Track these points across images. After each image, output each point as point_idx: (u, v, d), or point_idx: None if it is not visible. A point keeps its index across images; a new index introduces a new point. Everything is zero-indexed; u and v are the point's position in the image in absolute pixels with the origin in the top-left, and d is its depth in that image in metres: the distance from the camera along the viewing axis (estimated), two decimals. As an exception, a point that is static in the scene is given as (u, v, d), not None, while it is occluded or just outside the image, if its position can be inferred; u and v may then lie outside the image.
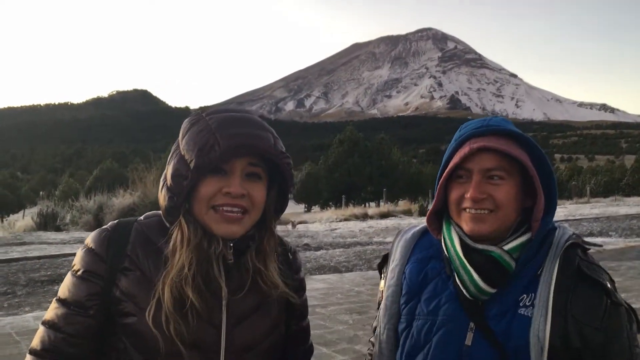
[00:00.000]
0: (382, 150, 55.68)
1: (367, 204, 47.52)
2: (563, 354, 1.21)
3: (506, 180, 1.29)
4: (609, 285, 1.26)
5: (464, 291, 1.31)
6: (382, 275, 1.55)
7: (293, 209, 52.07)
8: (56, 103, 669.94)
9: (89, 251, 1.27)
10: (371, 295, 7.58)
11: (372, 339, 1.60)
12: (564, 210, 26.96)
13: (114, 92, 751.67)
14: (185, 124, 1.28)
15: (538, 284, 1.27)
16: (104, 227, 1.31)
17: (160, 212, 1.32)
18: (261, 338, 1.32)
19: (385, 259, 1.56)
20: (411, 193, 51.53)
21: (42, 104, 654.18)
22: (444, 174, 1.33)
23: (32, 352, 1.25)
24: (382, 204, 38.38)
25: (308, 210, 52.81)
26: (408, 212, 28.83)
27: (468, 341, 1.29)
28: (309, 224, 23.96)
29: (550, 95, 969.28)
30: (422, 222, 1.46)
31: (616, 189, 61.37)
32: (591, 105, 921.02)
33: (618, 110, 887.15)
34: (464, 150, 1.29)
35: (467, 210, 1.29)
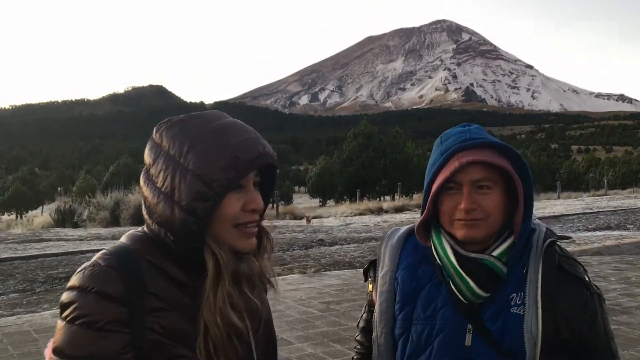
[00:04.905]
0: (397, 144, 55.41)
1: (381, 198, 47.40)
2: (554, 345, 1.33)
3: (493, 190, 1.38)
4: (586, 278, 1.41)
5: (459, 296, 1.40)
6: (370, 280, 1.62)
7: (308, 203, 52.13)
8: (73, 99, 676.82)
9: (102, 296, 1.08)
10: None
11: (358, 337, 1.68)
12: (581, 203, 26.69)
13: (130, 88, 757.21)
14: (177, 136, 1.18)
15: (525, 283, 1.37)
16: (103, 264, 1.12)
17: (140, 231, 1.24)
18: (272, 340, 1.37)
19: (371, 264, 1.63)
20: (426, 186, 51.24)
21: (59, 101, 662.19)
22: (435, 188, 1.40)
23: None
24: (396, 197, 38.29)
25: (323, 204, 52.84)
26: (423, 206, 28.69)
27: (467, 342, 1.38)
28: (324, 219, 23.95)
29: (566, 86, 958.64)
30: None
31: (634, 181, 60.65)
32: (609, 96, 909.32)
33: (636, 100, 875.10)
34: (454, 164, 1.36)
35: (461, 220, 1.38)
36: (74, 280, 1.12)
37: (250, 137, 1.20)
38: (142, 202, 1.24)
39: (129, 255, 1.16)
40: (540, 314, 1.33)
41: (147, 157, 1.22)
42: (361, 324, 1.66)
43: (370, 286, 1.61)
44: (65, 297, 1.11)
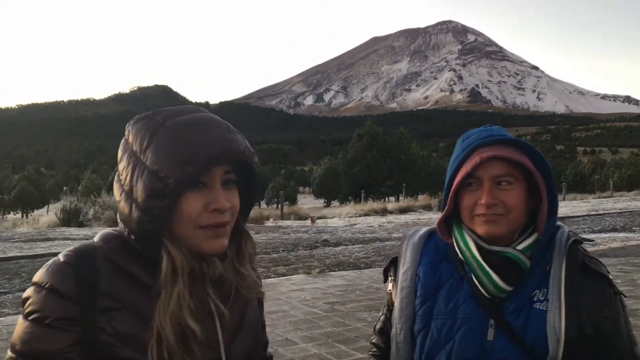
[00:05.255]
0: (402, 145, 55.46)
1: (386, 199, 47.35)
2: (577, 342, 1.33)
3: (514, 185, 1.39)
4: (610, 276, 1.41)
5: (482, 291, 1.40)
6: (390, 278, 1.61)
7: (312, 203, 52.17)
8: (79, 99, 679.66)
9: (53, 293, 1.05)
10: (390, 292, 7.54)
11: (374, 340, 1.66)
12: (586, 205, 26.60)
13: (135, 88, 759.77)
14: (140, 132, 1.12)
15: (548, 280, 1.38)
16: (61, 260, 1.10)
17: (115, 230, 1.19)
18: (255, 347, 1.29)
19: (392, 263, 1.63)
20: (431, 188, 51.25)
21: (65, 100, 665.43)
22: (456, 183, 1.41)
23: None
24: (401, 198, 38.27)
25: (327, 205, 52.92)
26: (427, 207, 28.70)
27: (490, 336, 1.38)
28: (328, 219, 23.95)
29: (572, 87, 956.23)
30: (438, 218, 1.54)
31: (640, 183, 60.25)
32: (614, 97, 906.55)
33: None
34: (475, 159, 1.38)
35: (481, 215, 1.39)
36: (34, 276, 1.10)
37: (218, 132, 1.11)
38: None
39: (89, 253, 1.12)
40: (563, 310, 1.33)
41: (118, 154, 1.18)
42: (379, 325, 1.65)
43: (390, 285, 1.60)
44: (25, 292, 1.10)
